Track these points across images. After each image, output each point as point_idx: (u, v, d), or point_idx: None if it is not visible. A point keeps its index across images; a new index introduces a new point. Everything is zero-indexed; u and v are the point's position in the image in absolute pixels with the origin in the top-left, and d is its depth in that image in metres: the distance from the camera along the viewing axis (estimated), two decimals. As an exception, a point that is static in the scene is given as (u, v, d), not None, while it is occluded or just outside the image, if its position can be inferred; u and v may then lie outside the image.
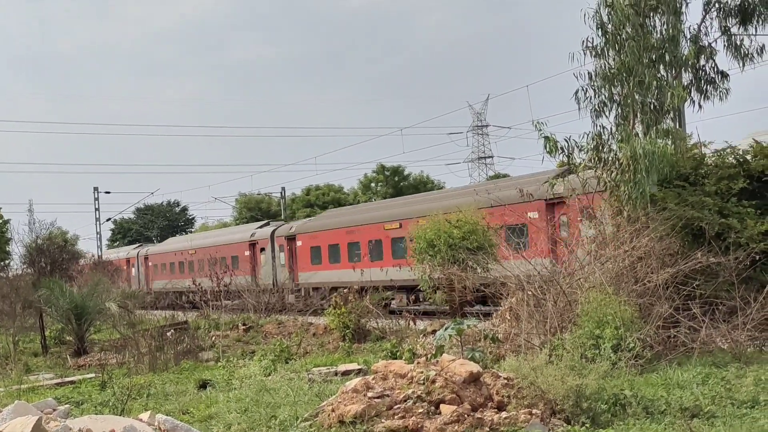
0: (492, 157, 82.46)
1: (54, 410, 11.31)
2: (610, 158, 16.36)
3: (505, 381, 10.70)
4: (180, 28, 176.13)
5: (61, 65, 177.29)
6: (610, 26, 16.56)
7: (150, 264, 55.26)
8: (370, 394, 10.49)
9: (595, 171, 16.87)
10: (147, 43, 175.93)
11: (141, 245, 63.67)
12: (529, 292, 15.08)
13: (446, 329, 13.66)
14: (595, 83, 16.80)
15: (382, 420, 10.06)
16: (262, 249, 41.59)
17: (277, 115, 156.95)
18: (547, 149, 16.61)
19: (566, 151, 16.68)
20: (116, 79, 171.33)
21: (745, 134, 20.40)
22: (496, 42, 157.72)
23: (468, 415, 9.95)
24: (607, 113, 16.92)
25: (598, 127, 16.88)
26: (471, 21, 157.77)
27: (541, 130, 16.68)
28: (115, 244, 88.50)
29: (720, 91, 17.87)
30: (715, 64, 18.26)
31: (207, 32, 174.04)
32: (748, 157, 16.97)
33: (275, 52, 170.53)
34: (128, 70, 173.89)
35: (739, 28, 18.08)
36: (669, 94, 16.37)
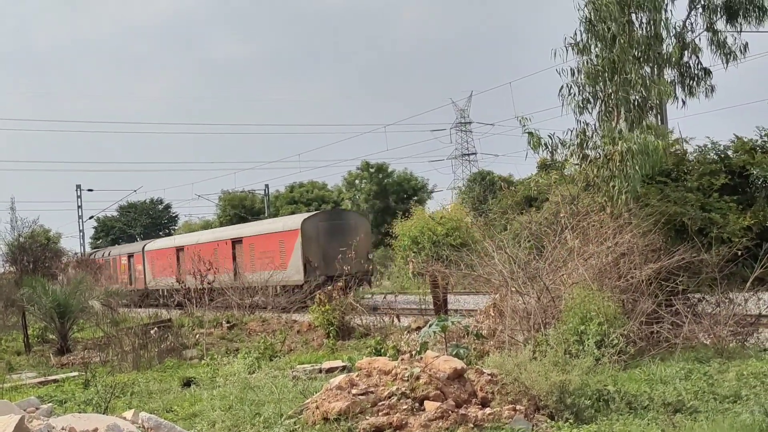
0: (476, 153, 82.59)
1: (37, 409, 11.24)
2: (598, 154, 16.38)
3: (489, 377, 10.71)
4: (156, 25, 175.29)
5: (37, 62, 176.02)
6: (597, 23, 16.56)
7: None
8: (354, 391, 10.48)
9: (580, 167, 16.91)
10: (122, 39, 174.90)
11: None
12: (513, 288, 15.11)
13: (430, 326, 13.63)
14: (579, 80, 16.84)
15: (367, 417, 10.06)
16: None
17: (259, 112, 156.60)
18: (531, 145, 16.67)
19: (550, 147, 16.74)
20: (91, 76, 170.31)
21: (728, 132, 20.15)
22: (479, 38, 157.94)
23: (452, 412, 9.96)
24: (590, 110, 16.98)
25: (582, 124, 16.93)
26: (453, 17, 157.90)
27: (525, 125, 16.74)
28: (98, 242, 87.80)
29: (705, 88, 17.94)
30: (699, 61, 18.34)
31: (184, 29, 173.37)
32: (730, 152, 17.09)
33: (255, 49, 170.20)
34: (103, 66, 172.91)
35: (726, 25, 18.15)
36: (655, 90, 16.41)
